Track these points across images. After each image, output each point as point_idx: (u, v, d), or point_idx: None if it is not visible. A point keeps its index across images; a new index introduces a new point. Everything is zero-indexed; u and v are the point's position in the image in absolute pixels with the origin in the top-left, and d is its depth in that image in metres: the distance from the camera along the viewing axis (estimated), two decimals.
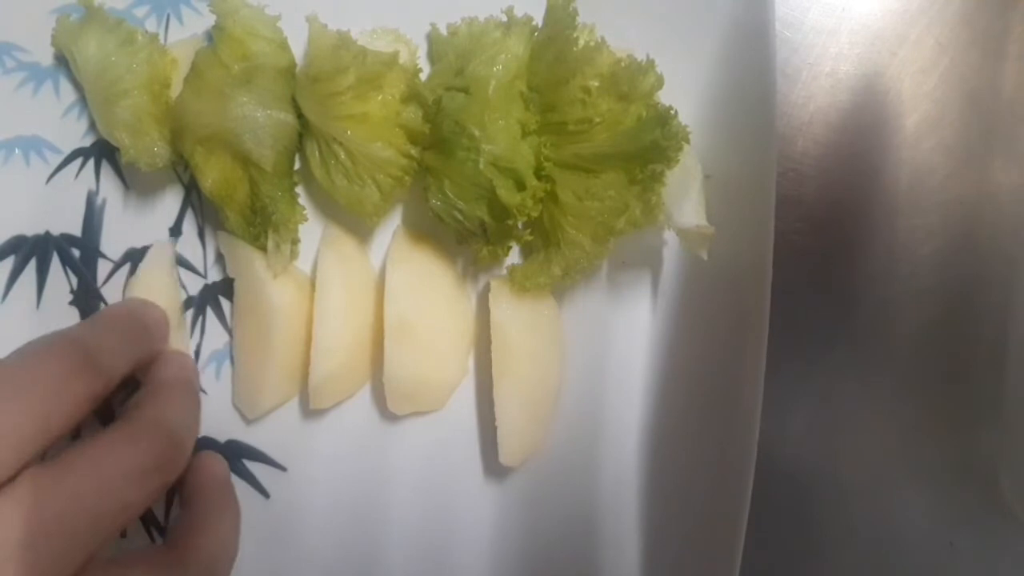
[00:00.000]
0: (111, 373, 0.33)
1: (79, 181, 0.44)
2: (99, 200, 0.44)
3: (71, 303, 0.43)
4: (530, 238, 0.41)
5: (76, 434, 0.39)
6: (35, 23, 0.43)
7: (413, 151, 0.40)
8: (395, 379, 0.40)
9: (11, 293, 0.43)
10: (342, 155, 0.40)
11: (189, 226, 0.44)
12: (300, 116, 0.41)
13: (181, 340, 0.43)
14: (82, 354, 0.32)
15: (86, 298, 0.43)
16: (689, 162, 0.39)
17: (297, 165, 0.43)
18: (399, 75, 0.40)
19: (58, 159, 0.44)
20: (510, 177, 0.38)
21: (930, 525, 0.46)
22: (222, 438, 0.43)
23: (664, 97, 0.38)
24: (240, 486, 0.42)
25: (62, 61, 0.44)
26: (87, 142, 0.44)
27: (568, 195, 0.39)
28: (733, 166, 0.41)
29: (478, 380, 0.43)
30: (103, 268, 0.44)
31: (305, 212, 0.42)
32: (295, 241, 0.42)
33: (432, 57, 0.44)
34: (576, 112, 0.38)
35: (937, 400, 0.47)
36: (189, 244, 0.44)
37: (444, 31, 0.44)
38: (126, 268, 0.44)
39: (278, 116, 0.40)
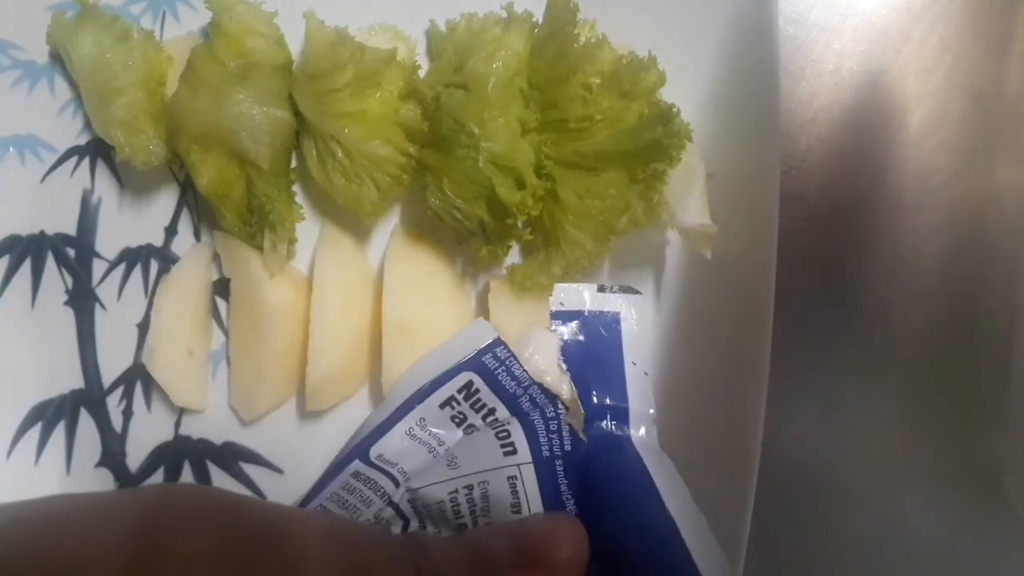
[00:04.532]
0: None
1: (74, 180, 0.44)
2: (94, 199, 0.44)
3: (66, 303, 0.43)
4: (530, 237, 0.41)
5: None
6: (30, 20, 0.43)
7: (411, 149, 0.39)
8: (394, 381, 0.40)
9: (5, 293, 0.43)
10: (340, 153, 0.39)
11: (185, 225, 0.44)
12: (297, 114, 0.40)
13: (205, 343, 0.43)
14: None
15: (81, 298, 0.43)
16: (692, 160, 0.39)
17: (294, 163, 0.42)
18: (397, 72, 0.39)
19: (53, 157, 0.44)
20: (510, 175, 0.37)
21: (933, 527, 0.46)
22: (218, 440, 0.42)
23: (666, 94, 0.38)
24: (236, 488, 0.42)
25: (57, 59, 0.43)
26: (82, 140, 0.44)
27: (569, 194, 0.38)
28: (736, 164, 0.40)
29: None
30: (98, 268, 0.43)
31: (302, 211, 0.42)
32: (292, 240, 0.42)
33: (431, 54, 0.44)
34: (577, 110, 0.38)
35: (941, 401, 0.47)
36: (185, 243, 0.43)
37: (443, 27, 0.43)
38: (121, 268, 0.43)
39: (275, 114, 0.40)
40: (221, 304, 0.43)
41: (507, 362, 0.34)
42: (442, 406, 0.35)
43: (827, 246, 0.47)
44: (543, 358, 0.36)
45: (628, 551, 0.32)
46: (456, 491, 0.34)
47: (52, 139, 0.43)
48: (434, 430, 0.35)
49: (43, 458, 0.42)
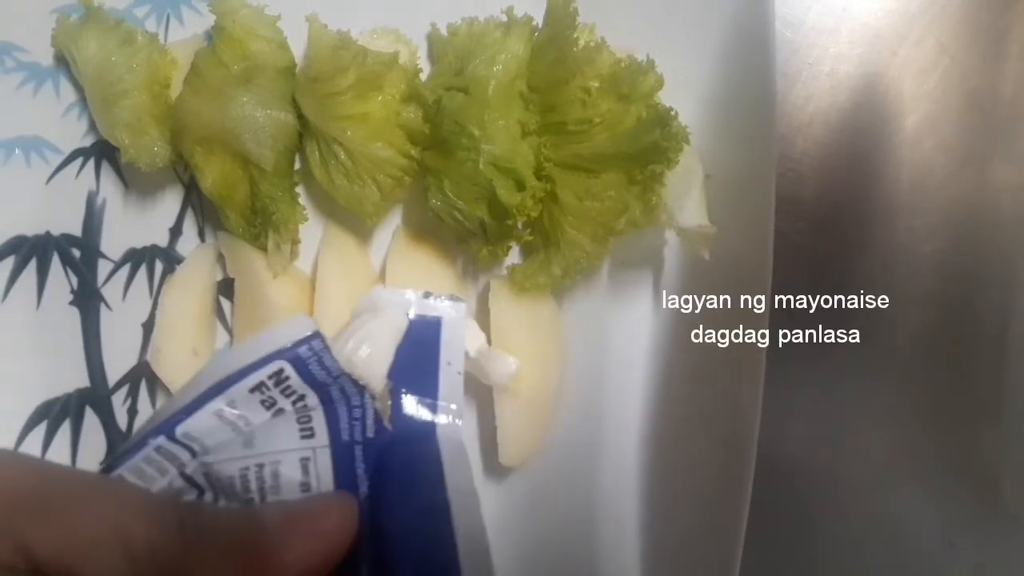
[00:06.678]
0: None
1: (79, 181, 0.44)
2: (99, 200, 0.44)
3: (71, 303, 0.43)
4: (530, 238, 0.41)
5: None
6: (35, 23, 0.43)
7: (413, 151, 0.40)
8: None
9: (11, 293, 0.43)
10: (342, 155, 0.40)
11: (189, 226, 0.44)
12: (300, 116, 0.41)
13: (210, 343, 0.43)
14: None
15: (86, 298, 0.43)
16: (690, 162, 0.39)
17: (297, 165, 0.43)
18: (399, 75, 0.40)
19: (58, 159, 0.44)
20: (510, 177, 0.38)
21: (930, 525, 0.46)
22: None
23: (664, 97, 0.38)
24: None
25: (62, 61, 0.44)
26: (87, 142, 0.44)
27: (568, 195, 0.39)
28: (733, 166, 0.41)
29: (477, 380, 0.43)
30: (103, 268, 0.44)
31: (305, 212, 0.42)
32: (295, 241, 0.42)
33: (432, 57, 0.44)
34: (576, 112, 0.38)
35: (937, 400, 0.47)
36: (189, 244, 0.44)
37: (444, 31, 0.44)
38: (126, 268, 0.44)
39: (278, 116, 0.40)
40: (225, 304, 0.44)
41: (320, 353, 0.35)
42: (252, 391, 0.35)
43: (823, 247, 0.47)
44: (378, 333, 0.38)
45: (400, 526, 0.34)
46: (247, 468, 0.35)
47: (57, 141, 0.44)
48: (242, 412, 0.36)
49: (48, 456, 0.42)
